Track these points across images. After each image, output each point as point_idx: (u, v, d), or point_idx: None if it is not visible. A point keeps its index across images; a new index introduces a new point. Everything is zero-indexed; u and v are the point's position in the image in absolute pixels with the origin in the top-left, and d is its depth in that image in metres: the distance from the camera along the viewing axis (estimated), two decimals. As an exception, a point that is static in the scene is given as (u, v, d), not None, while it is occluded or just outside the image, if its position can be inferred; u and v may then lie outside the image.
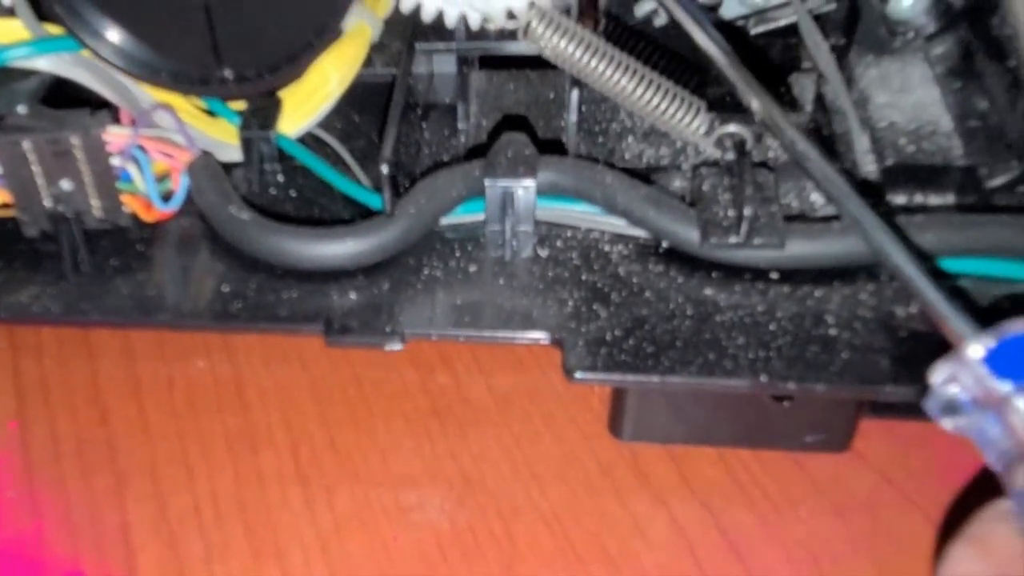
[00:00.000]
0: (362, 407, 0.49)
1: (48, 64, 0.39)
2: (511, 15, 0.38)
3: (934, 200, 0.40)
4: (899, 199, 0.40)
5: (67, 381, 0.51)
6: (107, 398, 0.51)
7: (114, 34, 0.35)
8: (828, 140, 0.43)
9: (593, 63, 0.38)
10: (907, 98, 0.42)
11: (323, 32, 0.33)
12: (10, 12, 0.38)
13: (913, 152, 0.40)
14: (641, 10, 0.43)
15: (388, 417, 0.47)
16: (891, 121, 0.41)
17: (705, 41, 0.36)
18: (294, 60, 0.33)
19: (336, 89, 0.46)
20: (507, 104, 0.49)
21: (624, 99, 0.38)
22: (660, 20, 0.45)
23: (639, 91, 0.38)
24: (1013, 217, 0.37)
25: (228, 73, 0.34)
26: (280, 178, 0.46)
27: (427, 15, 0.39)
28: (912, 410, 0.32)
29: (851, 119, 0.40)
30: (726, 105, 0.39)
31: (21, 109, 0.38)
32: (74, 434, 0.49)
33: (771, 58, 0.46)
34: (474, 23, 0.39)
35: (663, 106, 0.38)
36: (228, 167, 0.45)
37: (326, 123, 0.47)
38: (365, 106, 0.48)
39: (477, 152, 0.44)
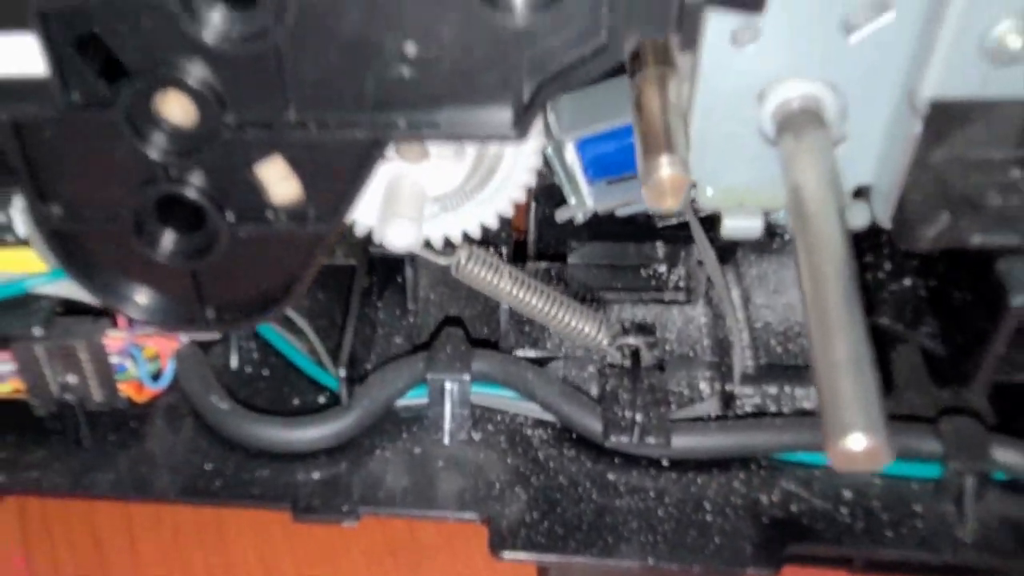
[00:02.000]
0: (327, 543, 0.55)
1: (59, 289, 0.45)
2: (448, 244, 0.45)
3: (799, 394, 0.47)
4: (772, 391, 0.48)
5: (67, 517, 0.58)
6: (102, 532, 0.58)
7: (110, 278, 0.41)
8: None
9: (512, 290, 0.45)
10: (780, 299, 0.50)
11: (292, 284, 0.39)
12: (25, 242, 0.45)
13: (781, 353, 0.47)
14: (562, 216, 0.50)
15: (350, 553, 0.55)
16: (766, 321, 0.49)
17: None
18: (267, 309, 0.40)
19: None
20: (451, 289, 0.55)
21: (538, 317, 0.46)
22: (580, 218, 0.52)
23: (550, 311, 0.45)
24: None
25: (210, 314, 0.41)
26: (255, 355, 0.53)
27: (376, 238, 0.46)
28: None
29: (730, 320, 0.48)
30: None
31: (37, 332, 0.44)
32: (73, 563, 0.56)
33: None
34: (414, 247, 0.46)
35: (571, 323, 0.46)
36: (208, 343, 0.52)
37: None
38: (330, 286, 0.55)
39: (426, 327, 0.52)
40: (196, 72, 0.32)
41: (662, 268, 0.54)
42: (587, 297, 0.53)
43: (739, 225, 0.39)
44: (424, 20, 0.30)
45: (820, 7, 0.33)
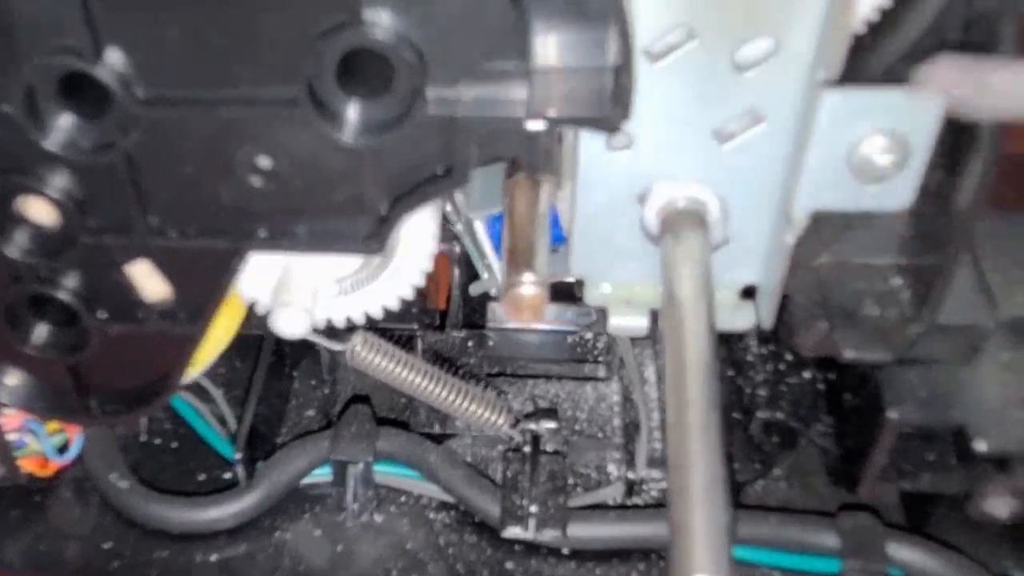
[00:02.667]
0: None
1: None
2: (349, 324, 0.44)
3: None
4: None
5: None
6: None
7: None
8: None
9: (408, 378, 0.44)
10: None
11: (171, 378, 0.38)
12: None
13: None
14: (475, 290, 0.49)
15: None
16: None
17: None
18: (148, 401, 0.39)
19: (220, 344, 0.51)
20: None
21: (436, 403, 0.45)
22: (493, 293, 0.51)
23: (448, 398, 0.44)
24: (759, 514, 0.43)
25: (93, 405, 0.40)
26: (166, 426, 0.52)
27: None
28: None
29: (638, 400, 0.47)
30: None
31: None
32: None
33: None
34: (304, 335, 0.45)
35: (470, 409, 0.45)
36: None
37: (211, 369, 0.53)
38: (248, 354, 0.54)
39: (341, 397, 0.51)
40: (54, 179, 0.31)
41: (588, 335, 0.53)
42: (503, 370, 0.52)
43: (625, 323, 0.38)
44: (272, 136, 0.29)
45: (692, 116, 0.32)
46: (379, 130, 0.28)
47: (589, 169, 0.34)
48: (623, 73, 0.25)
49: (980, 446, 0.34)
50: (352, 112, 0.28)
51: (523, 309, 0.31)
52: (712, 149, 0.33)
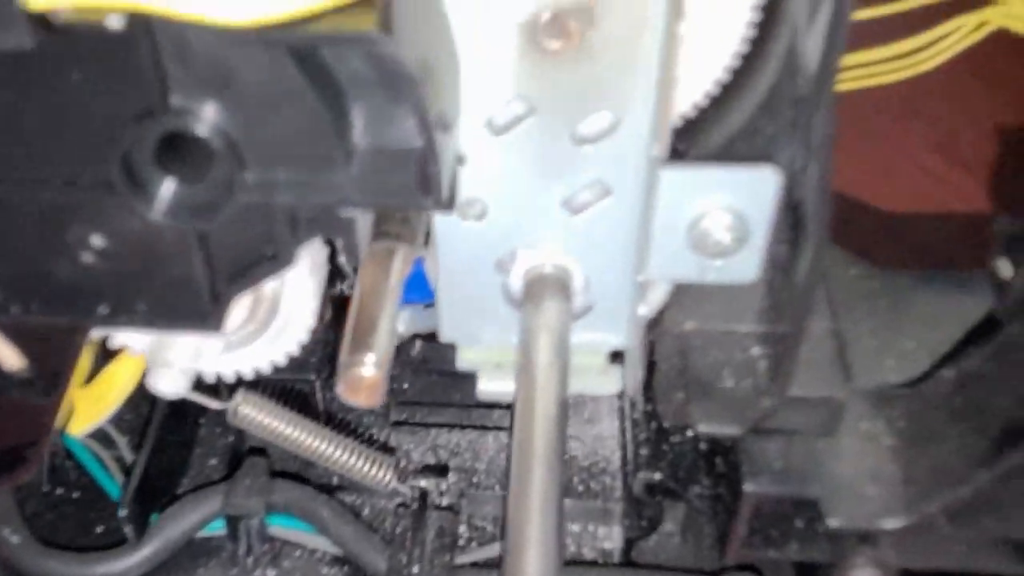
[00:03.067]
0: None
1: None
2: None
3: (602, 532, 0.46)
4: (574, 528, 0.46)
5: None
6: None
7: None
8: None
9: (291, 435, 0.43)
10: (592, 429, 0.48)
11: (36, 446, 0.38)
12: None
13: (582, 490, 0.46)
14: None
15: None
16: (573, 454, 0.47)
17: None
18: (14, 469, 0.39)
19: (124, 392, 0.51)
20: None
21: (322, 462, 0.44)
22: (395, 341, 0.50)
23: (333, 455, 0.44)
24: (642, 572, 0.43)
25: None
26: (69, 474, 0.51)
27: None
28: None
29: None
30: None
31: None
32: None
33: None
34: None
35: (357, 466, 0.44)
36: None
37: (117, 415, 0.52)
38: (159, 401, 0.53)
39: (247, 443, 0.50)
40: None
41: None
42: (405, 419, 0.52)
43: (494, 388, 0.37)
44: (100, 216, 0.29)
45: (541, 188, 0.32)
46: (199, 213, 0.27)
47: (446, 238, 0.34)
48: (429, 161, 0.25)
49: (832, 522, 0.33)
50: (168, 194, 0.27)
51: (360, 391, 0.30)
52: (565, 219, 0.32)
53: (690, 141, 0.31)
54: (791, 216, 0.30)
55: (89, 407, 0.51)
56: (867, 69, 0.43)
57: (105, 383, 0.50)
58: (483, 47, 0.28)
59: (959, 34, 0.38)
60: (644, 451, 0.40)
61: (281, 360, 0.43)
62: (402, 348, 0.53)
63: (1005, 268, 0.30)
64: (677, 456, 0.39)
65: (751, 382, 0.33)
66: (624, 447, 0.46)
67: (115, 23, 0.23)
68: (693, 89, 0.30)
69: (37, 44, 0.23)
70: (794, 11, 0.29)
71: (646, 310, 0.33)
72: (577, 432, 0.48)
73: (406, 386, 0.54)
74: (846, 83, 0.38)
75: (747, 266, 0.31)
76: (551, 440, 0.30)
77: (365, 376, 0.30)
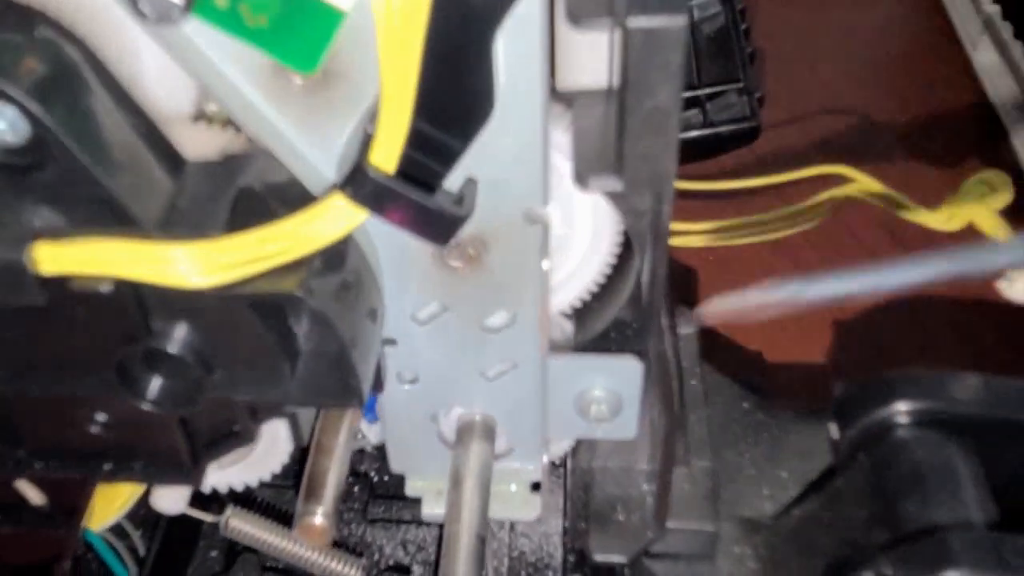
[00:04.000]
0: None
1: None
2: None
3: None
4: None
5: None
6: None
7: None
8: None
9: (272, 542, 0.50)
10: (540, 528, 0.55)
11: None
12: None
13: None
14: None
15: None
16: (521, 551, 0.54)
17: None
18: None
19: (136, 492, 0.58)
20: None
21: (299, 563, 0.51)
22: (369, 449, 0.57)
23: (307, 557, 0.51)
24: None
25: None
26: (92, 565, 0.58)
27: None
28: None
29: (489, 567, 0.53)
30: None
31: None
32: None
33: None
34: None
35: (327, 565, 0.51)
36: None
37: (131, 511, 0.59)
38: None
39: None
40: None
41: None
42: (380, 514, 0.58)
43: (436, 512, 0.44)
44: (101, 403, 0.36)
45: (462, 362, 0.39)
46: (178, 402, 0.34)
47: (387, 397, 0.41)
48: (344, 365, 0.32)
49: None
50: (155, 389, 0.34)
51: (312, 535, 0.37)
52: (485, 384, 0.39)
53: (579, 327, 0.38)
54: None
55: (107, 505, 0.58)
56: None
57: (121, 485, 0.57)
58: (405, 265, 0.35)
59: (819, 205, 0.45)
60: (571, 558, 0.46)
61: (266, 476, 0.50)
62: (380, 450, 0.60)
63: (834, 430, 0.37)
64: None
65: (639, 515, 0.40)
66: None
67: (105, 287, 0.30)
68: (580, 289, 0.37)
69: (47, 300, 0.30)
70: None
71: (547, 458, 0.40)
72: (525, 529, 0.54)
73: (386, 479, 0.61)
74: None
75: (626, 427, 0.37)
76: (471, 566, 0.37)
77: (315, 524, 0.37)
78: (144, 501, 0.58)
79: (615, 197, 0.30)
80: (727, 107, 0.51)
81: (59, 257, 0.29)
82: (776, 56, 0.72)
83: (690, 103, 0.51)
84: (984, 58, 0.94)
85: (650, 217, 0.30)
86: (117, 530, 0.59)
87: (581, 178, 0.30)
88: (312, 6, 0.27)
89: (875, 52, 0.95)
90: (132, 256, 0.29)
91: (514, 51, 0.28)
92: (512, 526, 0.50)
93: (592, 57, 0.30)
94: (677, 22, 0.25)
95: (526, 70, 0.29)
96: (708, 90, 0.51)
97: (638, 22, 0.26)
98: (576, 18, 0.29)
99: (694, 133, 0.49)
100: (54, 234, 0.30)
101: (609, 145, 0.29)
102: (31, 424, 0.38)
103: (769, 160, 0.60)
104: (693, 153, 0.52)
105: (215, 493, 0.50)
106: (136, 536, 0.59)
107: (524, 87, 0.29)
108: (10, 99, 0.29)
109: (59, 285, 0.30)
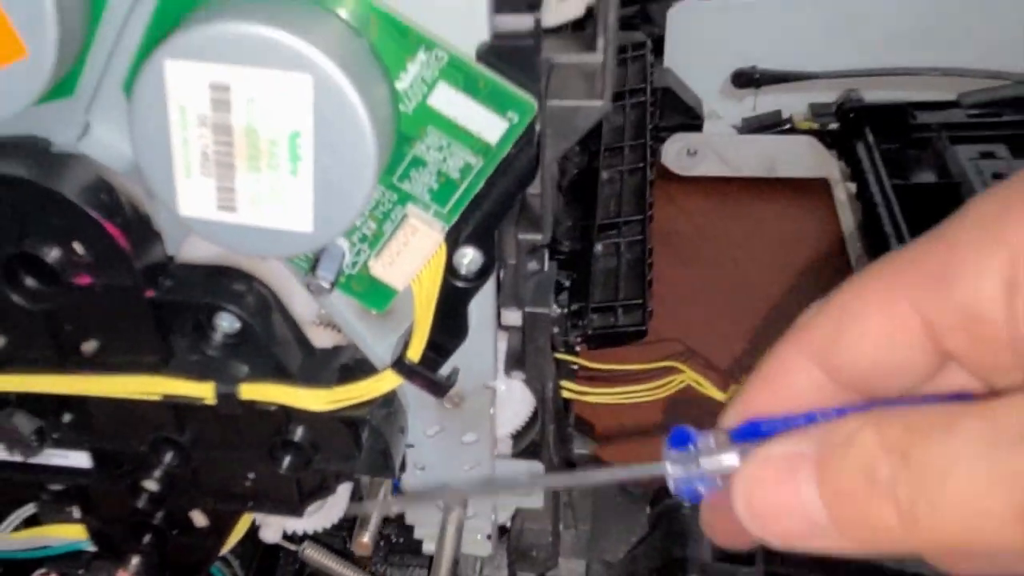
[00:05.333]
0: None
1: None
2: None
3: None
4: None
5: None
6: None
7: None
8: None
9: (338, 570, 0.78)
10: None
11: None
12: None
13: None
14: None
15: None
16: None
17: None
18: None
19: (243, 529, 0.87)
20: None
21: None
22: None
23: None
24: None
25: None
26: (206, 581, 0.86)
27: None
28: None
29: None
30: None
31: None
32: None
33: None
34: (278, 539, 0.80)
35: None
36: None
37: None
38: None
39: None
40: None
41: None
42: (392, 562, 0.86)
43: (432, 548, 0.72)
44: (256, 465, 0.65)
45: (451, 459, 0.67)
46: (298, 468, 0.63)
47: (406, 477, 0.69)
48: (386, 455, 0.61)
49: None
50: (288, 463, 0.63)
51: (361, 548, 0.66)
52: (462, 473, 0.68)
53: (515, 443, 0.66)
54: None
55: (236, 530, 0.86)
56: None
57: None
58: (422, 405, 0.64)
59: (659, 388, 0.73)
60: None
61: (330, 524, 0.78)
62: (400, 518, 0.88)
63: (648, 510, 0.65)
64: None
65: (544, 553, 0.67)
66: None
67: (273, 407, 0.60)
68: (514, 424, 0.66)
69: (242, 411, 0.60)
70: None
71: (500, 520, 0.68)
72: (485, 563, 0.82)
73: (402, 540, 0.89)
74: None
75: (537, 502, 0.66)
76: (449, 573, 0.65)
77: (364, 540, 0.66)
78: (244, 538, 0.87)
79: (525, 382, 0.60)
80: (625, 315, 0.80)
81: (253, 392, 0.59)
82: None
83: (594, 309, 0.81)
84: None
85: (542, 392, 0.59)
86: (222, 560, 0.88)
87: (507, 371, 0.59)
88: (381, 286, 0.57)
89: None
90: (288, 394, 0.59)
91: (477, 311, 0.58)
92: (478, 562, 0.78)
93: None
94: (549, 311, 0.55)
95: (484, 322, 0.58)
96: (606, 303, 0.81)
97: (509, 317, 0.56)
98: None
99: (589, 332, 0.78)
100: (248, 377, 0.60)
101: (519, 355, 0.59)
102: (209, 477, 0.67)
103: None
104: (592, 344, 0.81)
105: (295, 534, 0.79)
106: (236, 565, 0.87)
107: (483, 327, 0.59)
108: (232, 311, 0.59)
109: (251, 404, 0.60)
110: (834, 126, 1.26)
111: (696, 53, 1.36)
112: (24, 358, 0.59)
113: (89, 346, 0.59)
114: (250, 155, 0.47)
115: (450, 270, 0.52)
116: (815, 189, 1.25)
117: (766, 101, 1.35)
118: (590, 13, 0.51)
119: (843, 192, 1.22)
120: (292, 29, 0.45)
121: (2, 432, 0.61)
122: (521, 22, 0.47)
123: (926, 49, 1.25)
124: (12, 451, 0.62)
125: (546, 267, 0.56)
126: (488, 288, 0.55)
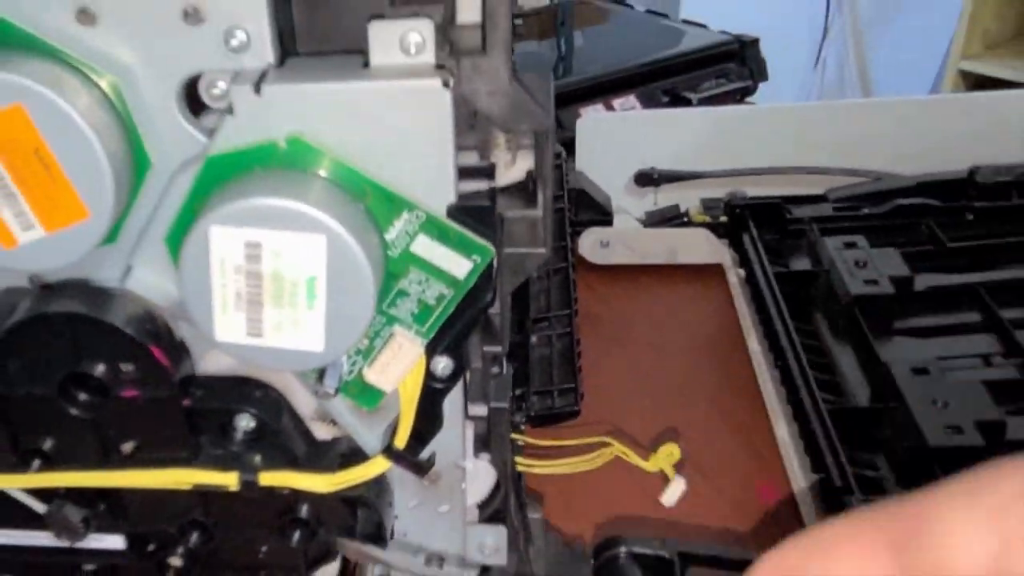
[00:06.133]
0: None
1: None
2: None
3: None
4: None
5: None
6: None
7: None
8: None
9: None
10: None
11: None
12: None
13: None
14: None
15: None
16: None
17: None
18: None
19: None
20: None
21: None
22: None
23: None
24: None
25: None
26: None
27: None
28: None
29: None
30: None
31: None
32: None
33: None
34: None
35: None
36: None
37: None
38: None
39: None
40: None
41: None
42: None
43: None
44: (270, 540, 0.77)
45: (431, 526, 0.81)
46: (305, 540, 0.76)
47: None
48: (379, 526, 0.74)
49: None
50: (296, 538, 0.76)
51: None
52: (441, 538, 0.81)
53: (481, 511, 0.80)
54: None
55: None
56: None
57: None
58: (406, 482, 0.77)
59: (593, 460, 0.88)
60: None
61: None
62: None
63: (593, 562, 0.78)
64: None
65: None
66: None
67: (286, 490, 0.73)
68: (481, 493, 0.80)
69: (260, 495, 0.73)
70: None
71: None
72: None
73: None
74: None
75: (501, 558, 0.79)
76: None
77: (357, 599, 0.78)
78: None
79: (490, 461, 0.74)
80: (559, 397, 0.95)
81: (270, 479, 0.72)
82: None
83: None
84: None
85: (503, 468, 0.73)
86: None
87: (476, 453, 0.73)
88: (372, 389, 0.71)
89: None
90: (300, 479, 0.72)
91: (450, 406, 0.72)
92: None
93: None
94: (508, 406, 0.69)
95: (456, 414, 0.72)
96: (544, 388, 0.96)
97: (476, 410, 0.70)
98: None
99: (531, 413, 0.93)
100: (263, 466, 0.72)
101: (485, 439, 0.73)
102: (227, 551, 0.78)
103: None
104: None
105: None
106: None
107: (455, 418, 0.72)
108: (252, 413, 0.72)
109: (270, 488, 0.72)
110: (724, 219, 1.44)
111: (603, 156, 1.53)
112: (72, 457, 0.71)
113: (128, 445, 0.71)
114: (275, 294, 0.61)
115: (428, 375, 0.65)
116: (712, 273, 1.42)
117: (665, 197, 1.53)
118: (530, 176, 0.67)
119: (735, 276, 1.39)
120: (310, 201, 0.58)
121: (54, 522, 0.72)
122: (479, 186, 0.62)
123: (798, 150, 1.46)
124: (60, 537, 0.73)
125: (504, 371, 0.71)
126: (458, 388, 0.69)
